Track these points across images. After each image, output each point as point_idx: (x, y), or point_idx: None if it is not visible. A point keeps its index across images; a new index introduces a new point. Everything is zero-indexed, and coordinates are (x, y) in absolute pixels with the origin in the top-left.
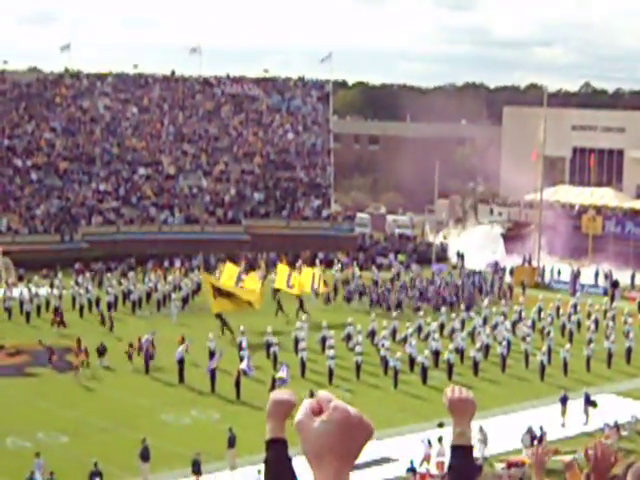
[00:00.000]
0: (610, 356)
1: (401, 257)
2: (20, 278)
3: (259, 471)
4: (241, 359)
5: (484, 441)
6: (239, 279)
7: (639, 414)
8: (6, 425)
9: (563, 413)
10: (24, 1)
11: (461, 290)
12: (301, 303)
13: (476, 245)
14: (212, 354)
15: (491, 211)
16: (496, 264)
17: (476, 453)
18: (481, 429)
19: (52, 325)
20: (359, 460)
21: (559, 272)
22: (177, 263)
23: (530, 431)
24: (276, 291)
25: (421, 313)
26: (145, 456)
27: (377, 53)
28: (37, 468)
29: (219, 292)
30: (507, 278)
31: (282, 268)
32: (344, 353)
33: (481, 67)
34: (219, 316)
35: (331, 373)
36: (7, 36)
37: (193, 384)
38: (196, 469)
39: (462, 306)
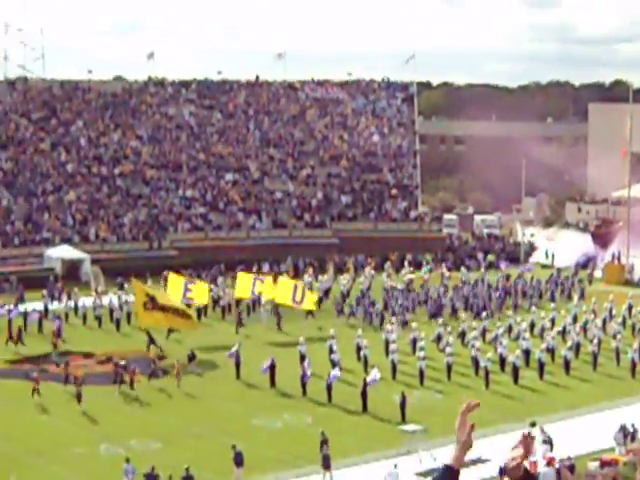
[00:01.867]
0: None
1: (490, 257)
2: (121, 286)
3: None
4: (332, 363)
5: (549, 442)
6: (186, 289)
7: None
8: (99, 432)
9: None
10: (108, 11)
11: (549, 289)
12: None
13: (565, 243)
14: (303, 357)
15: (579, 209)
16: (585, 262)
17: (540, 454)
18: (543, 430)
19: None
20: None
21: None
22: (266, 268)
23: (623, 429)
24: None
25: (509, 312)
26: (239, 461)
27: (461, 53)
28: (126, 473)
29: (153, 304)
30: (597, 275)
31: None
32: (435, 354)
33: (566, 65)
34: (147, 331)
35: (422, 374)
36: (91, 46)
37: (284, 388)
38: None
39: (551, 305)
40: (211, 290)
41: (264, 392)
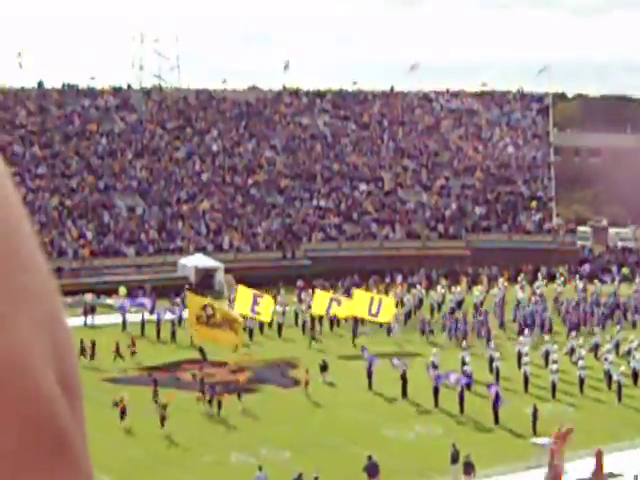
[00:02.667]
0: None
1: (625, 270)
2: (274, 298)
3: None
4: (464, 374)
5: None
6: (255, 302)
7: None
8: (230, 440)
9: None
10: (243, 21)
11: None
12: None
13: None
14: (435, 367)
15: None
16: None
17: None
18: None
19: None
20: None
21: None
22: (399, 279)
23: None
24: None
25: None
26: (373, 472)
27: (596, 64)
28: None
29: (207, 318)
30: None
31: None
32: (567, 367)
33: None
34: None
35: (554, 387)
36: (226, 56)
37: (416, 399)
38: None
39: None
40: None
41: (395, 402)
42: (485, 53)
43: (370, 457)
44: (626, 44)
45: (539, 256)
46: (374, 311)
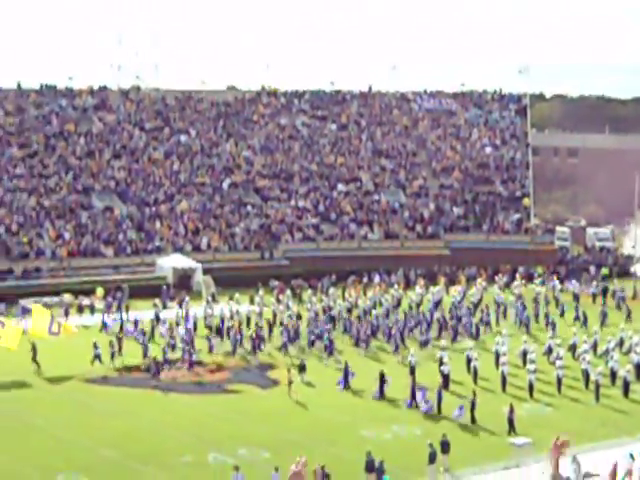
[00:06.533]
0: None
1: (604, 270)
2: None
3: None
4: (442, 374)
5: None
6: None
7: None
8: (208, 441)
9: None
10: (221, 21)
11: None
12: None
13: None
14: (412, 369)
15: None
16: None
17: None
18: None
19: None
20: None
21: None
22: (376, 279)
23: None
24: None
25: (622, 326)
26: (370, 468)
27: (574, 65)
28: None
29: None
30: None
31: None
32: (545, 367)
33: None
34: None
35: (532, 387)
36: (205, 56)
37: (394, 400)
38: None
39: None
40: (322, 300)
41: (373, 404)
42: (464, 53)
43: (369, 453)
44: (605, 44)
45: (517, 256)
46: (55, 329)
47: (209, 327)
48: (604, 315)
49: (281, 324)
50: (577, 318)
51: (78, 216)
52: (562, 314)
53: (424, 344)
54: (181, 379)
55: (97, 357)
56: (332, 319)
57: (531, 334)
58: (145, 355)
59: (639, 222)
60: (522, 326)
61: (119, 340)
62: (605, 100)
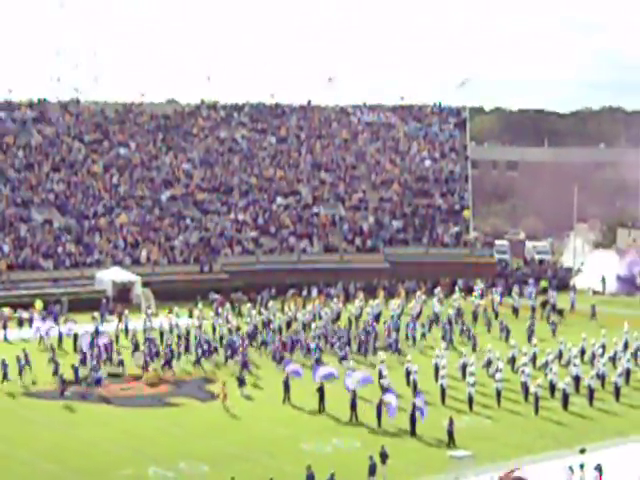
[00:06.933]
0: None
1: (544, 283)
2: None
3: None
4: (381, 387)
5: (599, 469)
6: None
7: None
8: (148, 455)
9: None
10: (162, 34)
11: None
12: None
13: (614, 269)
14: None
15: (629, 234)
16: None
17: None
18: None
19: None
20: None
21: None
22: (314, 292)
23: None
24: None
25: (560, 339)
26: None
27: (513, 78)
28: None
29: None
30: None
31: None
32: (484, 380)
33: (618, 90)
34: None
35: (471, 400)
36: (144, 68)
37: (334, 412)
38: None
39: (602, 331)
40: (261, 314)
41: (313, 416)
42: (403, 67)
43: (309, 467)
44: (543, 59)
45: (457, 269)
46: None
47: (148, 340)
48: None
49: (221, 338)
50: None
51: (17, 229)
52: (489, 329)
53: (342, 359)
54: (120, 393)
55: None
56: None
57: (455, 347)
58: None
59: (578, 235)
60: (448, 342)
61: (53, 353)
62: (544, 114)
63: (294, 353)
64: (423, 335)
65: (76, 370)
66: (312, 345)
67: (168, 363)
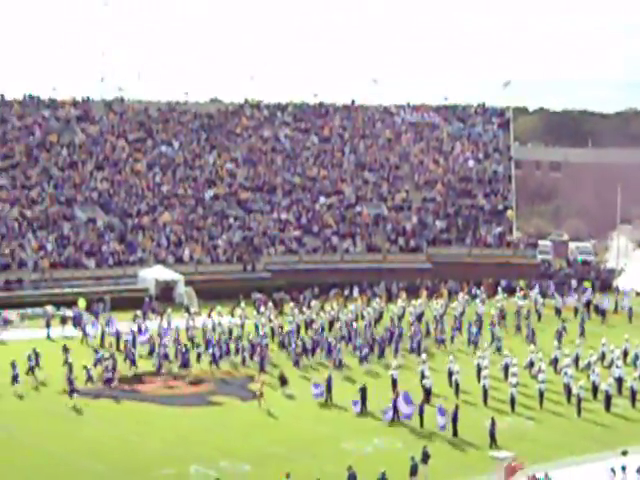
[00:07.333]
0: None
1: (587, 284)
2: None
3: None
4: (423, 388)
5: None
6: None
7: None
8: (190, 453)
9: None
10: (206, 33)
11: None
12: None
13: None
14: (394, 382)
15: None
16: None
17: None
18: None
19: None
20: None
21: None
22: (355, 291)
23: None
24: None
25: (603, 340)
26: None
27: (557, 79)
28: None
29: None
30: None
31: None
32: (527, 380)
33: None
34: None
35: (513, 401)
36: (189, 68)
37: (375, 412)
38: None
39: None
40: (304, 313)
41: (354, 416)
42: (447, 67)
43: (350, 467)
44: (588, 59)
45: (500, 270)
46: None
47: (191, 339)
48: (583, 328)
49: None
50: (559, 332)
51: (60, 227)
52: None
53: (362, 359)
54: (162, 391)
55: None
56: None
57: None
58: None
59: (621, 235)
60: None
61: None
62: (587, 114)
63: (314, 355)
64: (470, 337)
65: (88, 371)
66: (334, 345)
67: (214, 360)
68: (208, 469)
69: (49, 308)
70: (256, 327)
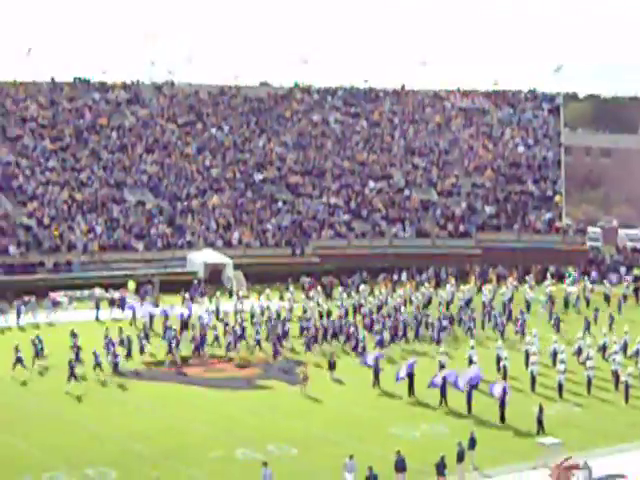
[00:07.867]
0: None
1: (636, 271)
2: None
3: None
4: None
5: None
6: None
7: None
8: (237, 437)
9: None
10: (255, 17)
11: None
12: None
13: None
14: (442, 367)
15: None
16: None
17: None
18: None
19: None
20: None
21: None
22: (403, 276)
23: None
24: None
25: None
26: (401, 467)
27: (608, 65)
28: (264, 478)
29: None
30: None
31: None
32: (575, 367)
33: None
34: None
35: (561, 387)
36: (238, 51)
37: (423, 398)
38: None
39: None
40: (352, 297)
41: (402, 401)
42: (497, 52)
43: (399, 452)
44: (637, 45)
45: (548, 256)
46: None
47: (239, 323)
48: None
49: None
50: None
51: (110, 210)
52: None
53: (378, 343)
54: (208, 374)
55: (19, 360)
56: (363, 317)
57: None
58: (170, 351)
59: None
60: (553, 326)
61: (146, 334)
62: (638, 101)
63: (333, 341)
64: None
65: (96, 356)
66: (358, 332)
67: (258, 343)
68: (255, 452)
69: (97, 290)
70: (304, 310)
